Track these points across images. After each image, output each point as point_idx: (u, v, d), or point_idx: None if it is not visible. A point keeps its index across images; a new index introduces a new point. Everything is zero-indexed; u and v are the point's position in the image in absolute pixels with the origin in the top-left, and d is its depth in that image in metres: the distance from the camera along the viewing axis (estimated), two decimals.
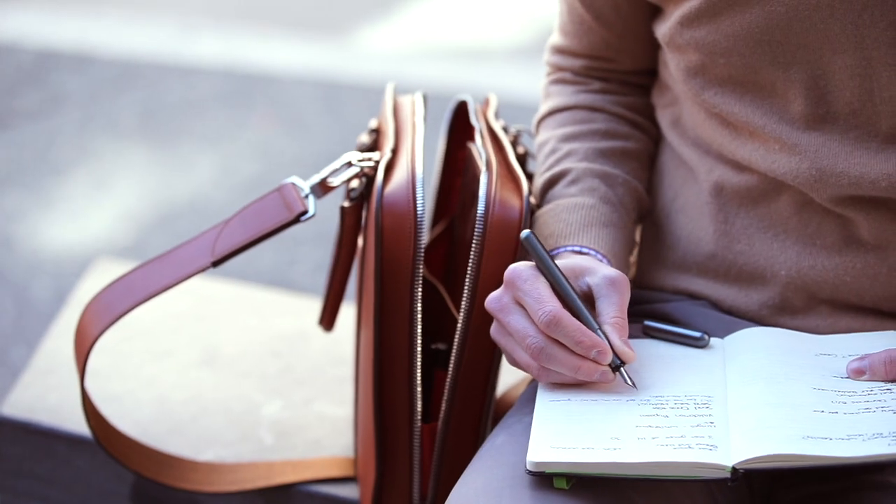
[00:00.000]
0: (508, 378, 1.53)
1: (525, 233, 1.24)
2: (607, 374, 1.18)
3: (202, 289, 1.88)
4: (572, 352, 1.17)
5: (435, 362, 1.39)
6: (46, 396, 1.65)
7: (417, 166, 1.33)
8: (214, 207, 3.64)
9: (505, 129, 1.47)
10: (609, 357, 1.17)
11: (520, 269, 1.21)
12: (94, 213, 3.59)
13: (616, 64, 1.44)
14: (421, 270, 1.30)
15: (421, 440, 1.35)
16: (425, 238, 1.30)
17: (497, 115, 1.50)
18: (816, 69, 1.23)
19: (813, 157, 1.25)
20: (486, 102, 1.53)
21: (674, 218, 1.38)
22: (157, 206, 3.77)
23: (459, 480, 1.19)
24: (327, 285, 1.46)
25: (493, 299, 1.22)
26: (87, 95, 4.59)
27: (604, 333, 1.19)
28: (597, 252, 1.30)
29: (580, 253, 1.30)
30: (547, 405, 1.18)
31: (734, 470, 1.09)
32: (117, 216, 3.59)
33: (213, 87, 4.57)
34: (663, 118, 1.41)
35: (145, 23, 5.33)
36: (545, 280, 1.20)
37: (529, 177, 1.44)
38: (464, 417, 1.35)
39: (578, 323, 1.17)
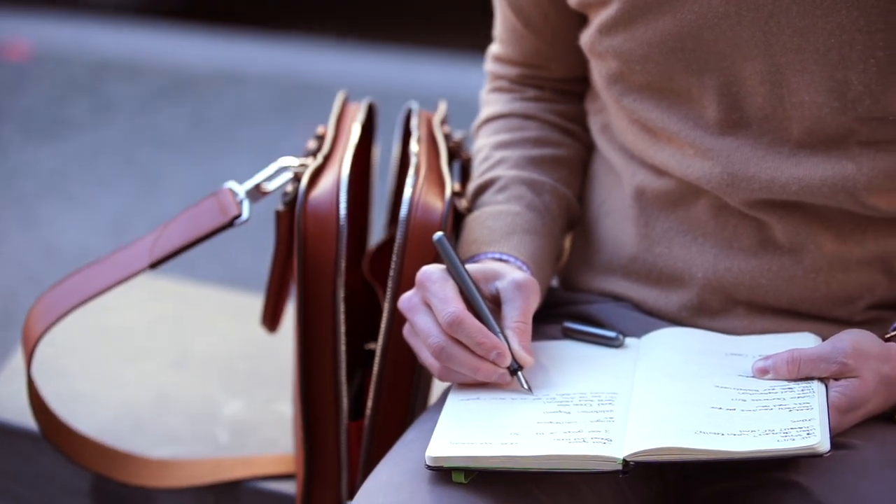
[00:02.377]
0: None
1: (437, 235, 1.26)
2: (505, 377, 1.20)
3: (178, 293, 1.93)
4: (473, 353, 1.20)
5: (370, 362, 1.42)
6: (15, 395, 1.71)
7: (344, 172, 1.36)
8: (257, 216, 3.70)
9: (448, 136, 1.50)
10: (507, 360, 1.20)
11: (430, 271, 1.24)
12: (135, 222, 3.67)
13: (549, 71, 1.47)
14: (342, 273, 1.33)
15: (348, 437, 1.38)
16: (345, 242, 1.33)
17: (445, 121, 1.53)
18: (728, 76, 1.25)
19: (725, 162, 1.27)
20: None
21: (601, 222, 1.41)
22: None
23: (369, 475, 1.23)
24: (267, 287, 1.50)
25: (404, 299, 1.25)
26: (135, 106, 4.68)
27: (505, 337, 1.21)
28: (517, 259, 1.32)
29: (500, 260, 1.32)
30: (456, 403, 1.21)
31: (625, 462, 1.10)
32: (158, 225, 3.66)
33: (260, 97, 4.65)
34: (594, 124, 1.44)
35: (196, 34, 5.41)
36: (454, 282, 1.23)
37: None
38: (391, 415, 1.38)
39: (480, 325, 1.20)
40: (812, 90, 1.22)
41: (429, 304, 1.22)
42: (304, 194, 1.34)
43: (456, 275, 1.24)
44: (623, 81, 1.32)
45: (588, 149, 1.47)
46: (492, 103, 1.50)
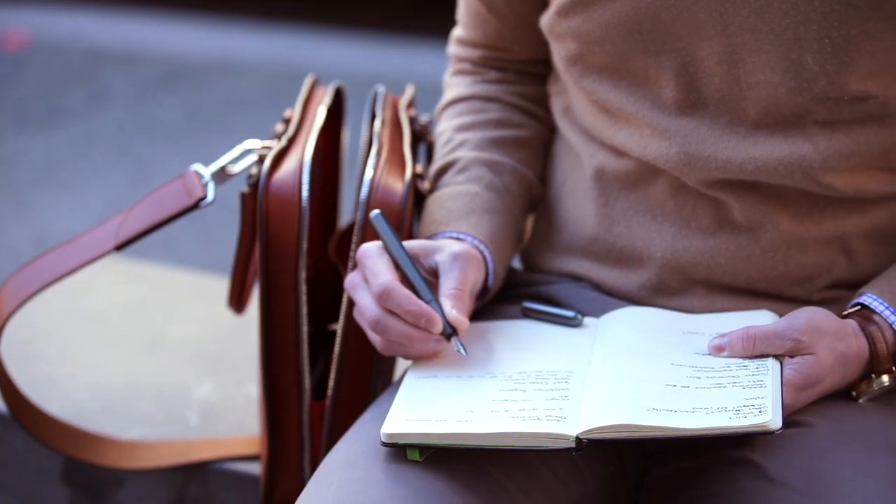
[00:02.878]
0: None
1: (373, 213, 1.28)
2: (441, 344, 1.22)
3: (152, 276, 1.95)
4: (406, 323, 1.21)
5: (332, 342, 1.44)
6: None
7: (307, 154, 1.37)
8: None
9: (414, 119, 1.51)
10: (438, 325, 1.20)
11: (366, 248, 1.25)
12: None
13: (511, 53, 1.48)
14: (304, 254, 1.34)
15: (311, 417, 1.39)
16: (307, 223, 1.34)
17: (412, 105, 1.54)
18: (686, 56, 1.26)
19: (682, 142, 1.28)
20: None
21: (562, 202, 1.41)
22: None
23: (328, 453, 1.24)
24: (232, 268, 1.51)
25: (348, 280, 1.26)
26: (131, 95, 4.68)
27: (439, 304, 1.22)
28: (474, 238, 1.33)
29: (458, 239, 1.33)
30: (414, 381, 1.22)
31: (578, 440, 1.11)
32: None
33: (255, 86, 4.66)
34: (556, 106, 1.45)
35: (192, 23, 5.42)
36: (389, 257, 1.24)
37: None
38: (352, 395, 1.39)
39: (410, 294, 1.21)
40: (768, 70, 1.23)
41: (367, 280, 1.23)
42: (267, 176, 1.35)
43: (390, 249, 1.25)
44: (582, 63, 1.33)
45: (550, 130, 1.48)
46: (454, 86, 1.51)
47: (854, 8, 1.18)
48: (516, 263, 1.47)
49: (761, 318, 1.25)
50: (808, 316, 1.20)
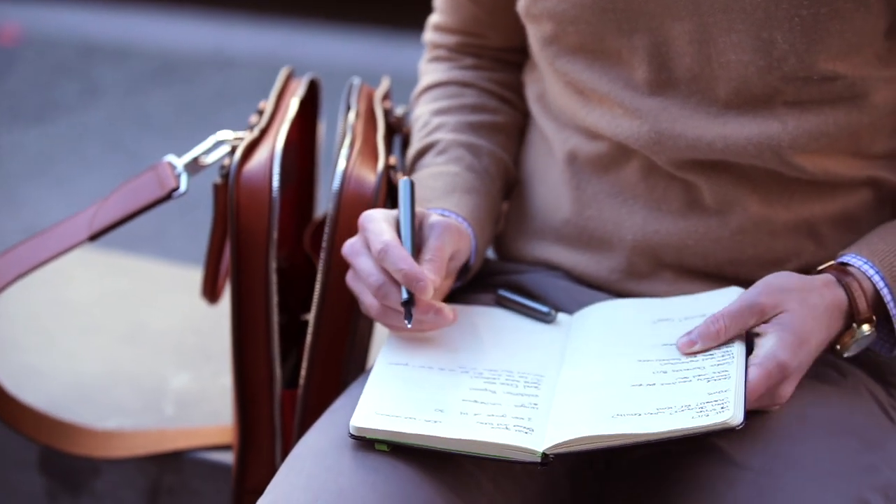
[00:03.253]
0: None
1: (403, 179, 1.27)
2: (439, 315, 1.22)
3: (137, 269, 1.96)
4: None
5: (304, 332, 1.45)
6: None
7: (278, 144, 1.38)
8: None
9: (389, 111, 1.52)
10: (429, 291, 1.20)
11: (370, 213, 1.25)
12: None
13: (487, 40, 1.49)
14: (275, 244, 1.35)
15: (282, 406, 1.40)
16: (277, 213, 1.36)
17: (387, 97, 1.55)
18: (658, 36, 1.27)
19: (653, 121, 1.29)
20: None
21: (536, 189, 1.43)
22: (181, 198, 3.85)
23: (298, 442, 1.25)
24: (205, 259, 1.53)
25: (347, 245, 1.26)
26: (122, 89, 4.69)
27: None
28: (458, 216, 1.34)
29: (442, 216, 1.34)
30: (384, 368, 1.22)
31: (545, 455, 1.11)
32: (157, 211, 3.68)
33: (247, 81, 4.66)
34: (531, 93, 1.46)
35: (184, 17, 5.43)
36: (393, 222, 1.25)
37: None
38: (324, 384, 1.40)
39: (408, 255, 1.21)
40: (739, 49, 1.24)
41: (368, 245, 1.23)
42: (238, 167, 1.36)
43: (400, 218, 1.25)
44: (557, 43, 1.34)
45: (524, 116, 1.49)
46: (430, 72, 1.52)
47: None
48: (489, 252, 1.48)
49: (730, 296, 1.24)
50: (765, 281, 1.21)
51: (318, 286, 1.35)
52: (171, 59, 4.98)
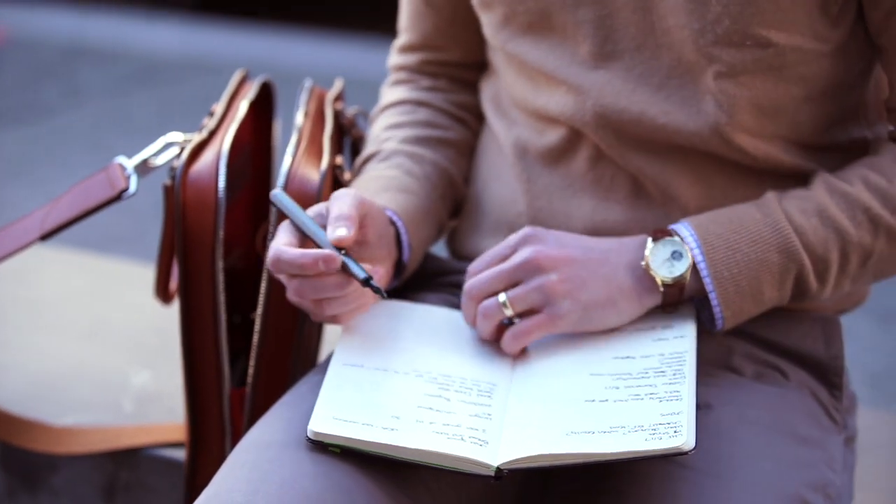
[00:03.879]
0: None
1: (273, 192, 1.29)
2: (359, 293, 1.23)
3: (102, 267, 1.98)
4: (312, 277, 1.21)
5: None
6: None
7: (225, 145, 1.41)
8: None
9: (340, 112, 1.54)
10: (336, 262, 1.19)
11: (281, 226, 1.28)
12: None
13: (448, 54, 1.51)
14: (221, 243, 1.37)
15: (231, 404, 1.43)
16: (223, 213, 1.38)
17: (340, 98, 1.57)
18: (602, 9, 1.30)
19: (596, 96, 1.31)
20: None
21: (490, 187, 1.45)
22: (159, 199, 3.86)
23: (245, 435, 1.27)
24: (157, 259, 1.55)
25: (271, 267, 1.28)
26: (105, 91, 4.72)
27: (351, 258, 1.22)
28: (387, 209, 1.36)
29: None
30: (340, 369, 1.23)
31: (499, 469, 1.11)
32: (118, 209, 3.69)
33: (228, 84, 4.68)
34: (485, 96, 1.48)
35: (167, 20, 5.44)
36: (292, 229, 1.25)
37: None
38: (272, 381, 1.41)
39: (293, 251, 1.21)
40: (676, 13, 1.26)
41: None
42: (184, 167, 1.39)
43: (295, 220, 1.25)
44: (508, 27, 1.36)
45: (477, 136, 1.51)
46: (389, 94, 1.55)
47: None
48: (443, 252, 1.50)
49: (688, 321, 1.25)
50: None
51: (263, 285, 1.37)
52: (155, 63, 5.01)
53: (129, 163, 1.47)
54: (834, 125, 1.33)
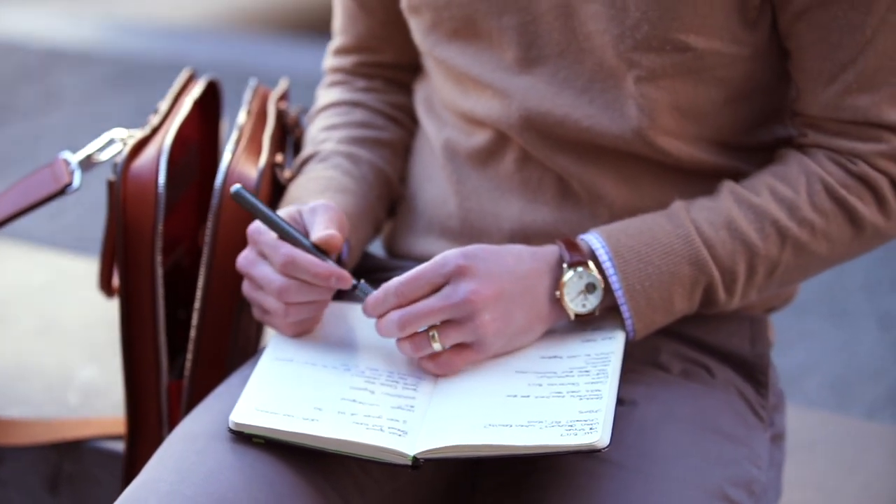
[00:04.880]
0: None
1: (234, 188, 1.29)
2: (346, 283, 1.25)
3: (54, 262, 2.01)
4: (312, 286, 1.25)
5: None
6: None
7: (166, 142, 1.43)
8: None
9: (283, 112, 1.56)
10: (349, 281, 1.25)
11: (258, 225, 1.29)
12: (73, 209, 3.71)
13: (381, 55, 1.53)
14: (160, 237, 1.39)
15: (169, 397, 1.45)
16: (163, 208, 1.40)
17: (284, 97, 1.59)
18: (526, 15, 1.32)
19: (521, 100, 1.33)
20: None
21: (423, 188, 1.47)
22: None
23: (175, 427, 1.29)
24: (101, 253, 1.57)
25: (241, 258, 1.30)
26: (82, 94, 4.72)
27: (335, 261, 1.27)
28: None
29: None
30: (269, 363, 1.25)
31: (415, 459, 1.14)
32: (92, 210, 3.70)
33: None
34: (418, 98, 1.50)
35: (146, 23, 5.45)
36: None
37: None
38: (209, 374, 1.43)
39: (311, 257, 1.25)
40: (596, 19, 1.27)
41: (263, 254, 1.28)
42: (125, 162, 1.41)
43: (269, 222, 1.27)
44: (435, 32, 1.38)
45: (411, 136, 1.53)
46: (324, 96, 1.57)
47: None
48: (379, 251, 1.52)
49: (618, 339, 1.26)
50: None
51: (200, 280, 1.39)
52: (131, 66, 5.01)
53: (74, 158, 1.49)
54: (757, 126, 1.35)
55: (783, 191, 1.27)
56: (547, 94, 1.32)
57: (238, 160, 1.41)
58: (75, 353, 1.82)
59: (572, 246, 1.26)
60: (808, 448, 1.69)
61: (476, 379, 1.23)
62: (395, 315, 1.23)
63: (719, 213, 1.26)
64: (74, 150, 1.49)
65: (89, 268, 2.06)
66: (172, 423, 1.45)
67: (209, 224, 1.38)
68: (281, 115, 1.55)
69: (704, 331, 1.34)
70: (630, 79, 1.28)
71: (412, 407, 1.20)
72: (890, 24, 1.23)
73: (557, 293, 1.25)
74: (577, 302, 1.25)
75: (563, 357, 1.24)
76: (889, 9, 1.22)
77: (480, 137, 1.39)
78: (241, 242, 1.33)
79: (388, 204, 1.49)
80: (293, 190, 1.43)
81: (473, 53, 1.36)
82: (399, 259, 1.48)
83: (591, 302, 1.25)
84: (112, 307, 1.88)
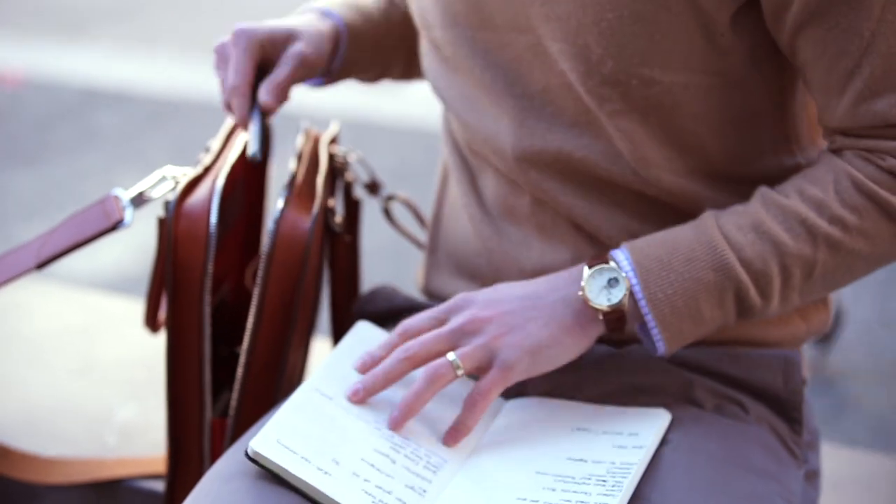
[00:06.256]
0: None
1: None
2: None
3: (95, 303, 2.00)
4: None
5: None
6: None
7: (219, 182, 1.42)
8: None
9: (334, 155, 1.56)
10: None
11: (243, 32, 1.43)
12: (112, 246, 3.72)
13: None
14: (209, 276, 1.38)
15: (212, 435, 1.43)
16: (214, 247, 1.39)
17: (335, 140, 1.59)
18: (509, 52, 1.31)
19: (514, 139, 1.32)
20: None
21: (451, 227, 1.47)
22: None
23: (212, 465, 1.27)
24: (148, 289, 1.56)
25: (219, 45, 1.44)
26: (120, 132, 4.75)
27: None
28: (341, 20, 1.48)
29: (325, 14, 1.48)
30: (308, 394, 1.23)
31: None
32: (132, 249, 3.72)
33: None
34: (444, 131, 1.49)
35: (183, 62, 5.48)
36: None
37: (355, 203, 1.56)
38: (254, 414, 1.42)
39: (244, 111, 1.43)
40: (564, 57, 1.26)
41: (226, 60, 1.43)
42: (178, 201, 1.40)
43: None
44: (429, 57, 1.41)
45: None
46: None
47: None
48: (415, 292, 1.51)
49: (661, 418, 1.25)
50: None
51: (250, 321, 1.38)
52: (166, 103, 5.04)
53: (126, 195, 1.49)
54: (759, 156, 1.32)
55: (811, 190, 1.23)
56: (537, 128, 1.31)
57: (291, 205, 1.40)
58: (114, 393, 1.80)
59: (596, 256, 1.25)
60: (843, 486, 1.66)
61: (495, 475, 1.20)
62: (399, 348, 1.23)
63: (748, 216, 1.22)
64: (113, 188, 1.48)
65: (127, 307, 2.06)
66: (214, 461, 1.44)
67: (261, 267, 1.37)
68: (331, 159, 1.54)
69: (738, 368, 1.32)
70: (603, 114, 1.27)
71: (424, 491, 1.17)
72: (888, 23, 1.18)
73: (580, 294, 1.22)
74: (601, 298, 1.21)
75: (587, 461, 1.21)
76: (885, 8, 1.17)
77: (493, 180, 1.38)
78: (292, 286, 1.33)
79: (401, 55, 1.57)
80: None
81: (460, 87, 1.37)
82: (434, 299, 1.47)
83: (616, 295, 1.21)
84: (150, 346, 1.88)
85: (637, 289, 1.21)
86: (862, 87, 1.20)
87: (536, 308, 1.23)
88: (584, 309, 1.22)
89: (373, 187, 1.60)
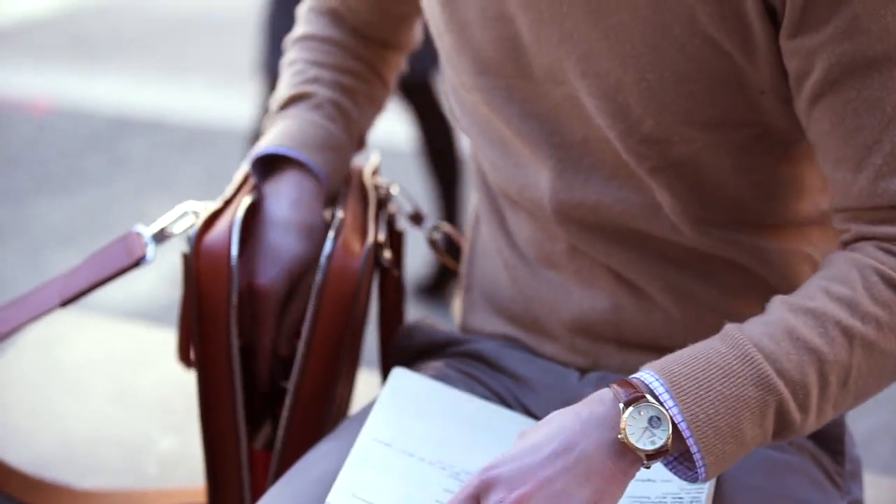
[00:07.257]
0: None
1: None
2: None
3: (130, 333, 2.02)
4: None
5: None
6: None
7: (238, 214, 1.43)
8: None
9: (378, 187, 1.57)
10: None
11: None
12: (144, 276, 3.75)
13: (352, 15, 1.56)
14: (234, 308, 1.40)
15: (254, 467, 1.44)
16: (237, 281, 1.40)
17: (377, 172, 1.60)
18: (546, 102, 1.29)
19: (552, 191, 1.31)
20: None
21: (486, 269, 1.46)
22: None
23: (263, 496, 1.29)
24: (178, 325, 1.58)
25: None
26: (149, 160, 4.78)
27: None
28: (321, 170, 1.44)
29: (305, 168, 1.44)
30: (369, 443, 1.24)
31: None
32: (164, 277, 3.75)
33: None
34: (475, 177, 1.48)
35: (213, 90, 5.51)
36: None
37: (399, 235, 1.56)
38: (300, 448, 1.42)
39: None
40: (602, 114, 1.24)
41: None
42: (197, 236, 1.41)
43: None
44: (468, 109, 1.39)
45: (387, 89, 1.58)
46: (309, 23, 1.57)
47: (661, 51, 1.19)
48: (450, 324, 1.52)
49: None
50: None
51: (299, 354, 1.39)
52: (198, 131, 5.06)
53: (147, 231, 1.51)
54: (798, 203, 1.30)
55: (838, 289, 1.14)
56: (575, 181, 1.30)
57: (343, 239, 1.41)
58: (153, 423, 1.83)
59: (625, 384, 1.10)
60: None
61: None
62: None
63: (777, 325, 1.12)
64: (143, 216, 1.51)
65: (165, 337, 2.08)
66: (256, 494, 1.45)
67: (311, 302, 1.38)
68: (375, 190, 1.56)
69: None
70: (644, 169, 1.25)
71: None
72: None
73: (620, 436, 1.08)
74: (644, 441, 1.07)
75: (656, 481, 1.18)
76: None
77: (527, 225, 1.38)
78: (343, 321, 1.35)
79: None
80: (293, 126, 1.46)
81: (496, 132, 1.35)
82: (472, 335, 1.47)
83: (660, 436, 1.08)
84: (190, 376, 1.90)
85: (675, 411, 1.08)
86: (881, 162, 1.14)
87: (572, 464, 1.08)
88: (625, 452, 1.08)
89: (416, 218, 1.58)
